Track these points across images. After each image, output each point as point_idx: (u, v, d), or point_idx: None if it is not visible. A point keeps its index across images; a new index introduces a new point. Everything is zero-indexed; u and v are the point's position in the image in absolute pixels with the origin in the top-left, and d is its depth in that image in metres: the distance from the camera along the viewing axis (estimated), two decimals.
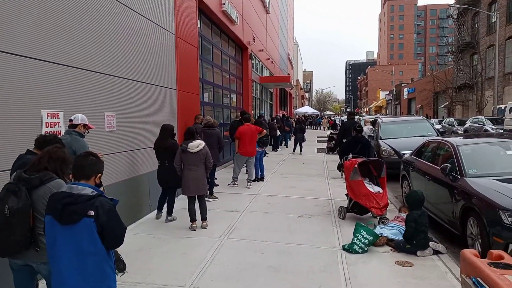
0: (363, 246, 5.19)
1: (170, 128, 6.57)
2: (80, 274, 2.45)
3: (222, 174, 11.10)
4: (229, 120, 14.22)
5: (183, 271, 4.57)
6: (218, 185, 9.25)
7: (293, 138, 19.53)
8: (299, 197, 8.50)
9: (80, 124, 4.43)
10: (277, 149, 18.30)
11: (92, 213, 2.40)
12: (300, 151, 17.46)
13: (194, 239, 5.74)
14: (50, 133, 4.24)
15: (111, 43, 5.79)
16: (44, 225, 2.57)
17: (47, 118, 4.37)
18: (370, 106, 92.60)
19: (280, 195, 8.65)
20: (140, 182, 6.76)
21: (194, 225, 6.13)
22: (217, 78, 13.09)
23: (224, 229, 6.16)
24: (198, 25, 10.13)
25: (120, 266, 3.09)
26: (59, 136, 3.97)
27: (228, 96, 14.89)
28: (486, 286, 2.42)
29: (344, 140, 9.67)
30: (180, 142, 7.16)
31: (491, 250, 2.88)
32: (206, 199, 7.81)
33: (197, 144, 6.01)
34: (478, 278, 2.51)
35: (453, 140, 6.49)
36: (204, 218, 6.24)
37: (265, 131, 9.84)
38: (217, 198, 8.24)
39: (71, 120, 4.44)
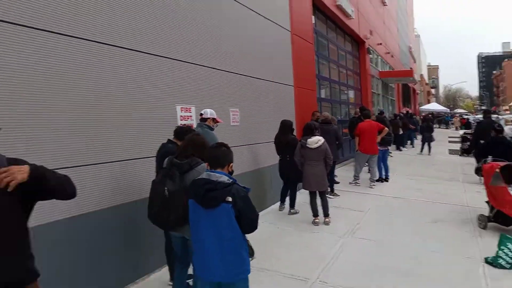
0: (510, 260, 4.44)
1: (290, 124, 6.61)
2: (221, 259, 2.58)
3: (343, 172, 10.74)
4: (348, 116, 13.80)
5: (308, 264, 4.50)
6: (338, 183, 8.99)
7: (419, 137, 18.03)
8: (429, 201, 7.72)
9: (209, 118, 4.69)
10: (402, 149, 17.11)
11: (230, 199, 2.51)
12: (429, 151, 15.94)
13: (317, 234, 5.63)
14: (185, 125, 4.57)
15: (234, 43, 6.04)
16: None
17: (181, 112, 4.73)
18: (511, 103, 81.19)
19: (406, 198, 7.99)
20: (263, 175, 6.93)
21: (317, 220, 6.03)
22: (334, 74, 12.82)
23: (347, 227, 5.91)
24: (313, 21, 10.03)
25: (250, 251, 3.16)
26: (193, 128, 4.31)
27: (346, 92, 14.48)
28: None
29: (482, 142, 8.50)
30: (299, 137, 7.15)
31: None
32: (328, 196, 7.68)
33: (316, 140, 5.91)
34: None
35: None
36: (326, 214, 6.09)
37: (386, 128, 9.23)
38: (339, 196, 8.01)
39: (201, 114, 4.73)
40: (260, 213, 6.51)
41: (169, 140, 3.82)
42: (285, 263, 4.51)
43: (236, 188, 2.57)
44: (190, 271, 3.47)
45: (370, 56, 17.16)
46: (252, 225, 2.62)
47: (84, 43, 3.47)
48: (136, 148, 4.07)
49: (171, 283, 3.83)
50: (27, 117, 3.00)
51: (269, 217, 6.41)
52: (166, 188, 3.06)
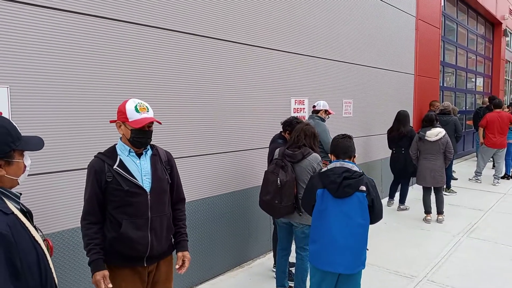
0: None
1: (407, 115, 6.36)
2: (348, 249, 2.63)
3: (462, 168, 10.00)
4: (474, 107, 12.60)
5: (415, 262, 4.44)
6: (456, 179, 8.43)
7: None
8: None
9: (322, 109, 4.84)
10: None
11: (364, 188, 2.63)
12: None
13: (428, 231, 5.45)
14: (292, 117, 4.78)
15: (353, 32, 6.02)
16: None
17: (295, 104, 4.97)
18: None
19: None
20: (373, 168, 6.86)
21: (428, 218, 5.82)
22: (461, 60, 11.77)
23: (463, 226, 5.60)
24: (442, 3, 9.31)
25: None
26: (304, 120, 4.48)
27: (473, 79, 13.18)
28: None
29: None
30: (416, 129, 6.87)
31: None
32: (444, 193, 7.31)
33: (437, 132, 5.61)
34: None
35: None
36: (440, 212, 5.83)
37: None
38: (455, 192, 7.53)
39: (314, 106, 4.90)
40: None
41: (280, 133, 3.97)
42: (391, 260, 4.51)
43: (367, 178, 2.70)
44: (292, 259, 3.75)
45: (507, 39, 15.23)
46: (380, 215, 2.74)
47: (209, 41, 3.88)
48: (252, 139, 4.42)
49: (274, 269, 4.11)
50: (169, 114, 3.52)
51: None
52: (278, 178, 3.29)
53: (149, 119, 2.13)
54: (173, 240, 2.42)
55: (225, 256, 4.20)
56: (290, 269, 3.94)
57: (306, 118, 4.97)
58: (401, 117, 6.34)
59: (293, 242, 3.60)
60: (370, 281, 3.97)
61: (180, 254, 2.39)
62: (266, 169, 3.59)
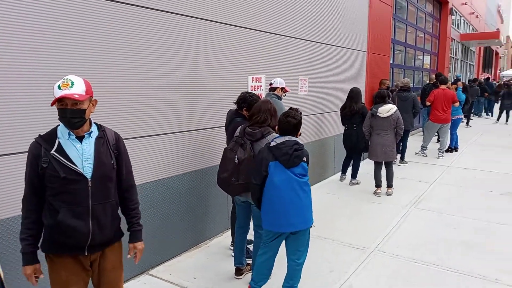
0: None
1: (359, 92, 6.51)
2: (300, 208, 2.98)
3: (409, 142, 10.43)
4: (421, 84, 13.16)
5: (367, 234, 4.64)
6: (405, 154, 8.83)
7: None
8: (504, 173, 7.41)
9: (278, 87, 4.82)
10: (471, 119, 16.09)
11: (305, 159, 2.99)
12: (506, 120, 14.95)
13: (379, 204, 5.71)
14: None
15: (309, 8, 6.00)
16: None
17: (252, 82, 4.92)
18: None
19: (477, 169, 7.71)
20: (326, 145, 7.02)
21: (379, 191, 6.08)
22: (410, 38, 12.15)
23: (410, 198, 5.92)
24: None
25: None
26: (261, 97, 4.44)
27: (421, 57, 13.70)
28: None
29: None
30: (368, 106, 7.06)
31: None
32: (398, 164, 7.71)
33: (388, 109, 5.81)
34: None
35: None
36: (390, 185, 6.12)
37: (457, 103, 8.71)
38: (407, 163, 8.05)
39: (271, 84, 4.87)
40: (320, 183, 6.80)
41: (236, 111, 3.89)
42: (344, 232, 4.69)
43: (306, 150, 3.07)
44: (250, 237, 3.79)
45: (452, 17, 15.89)
46: None
47: (166, 15, 3.72)
48: (210, 117, 4.36)
49: (231, 248, 4.17)
50: (116, 89, 3.35)
51: (329, 187, 6.56)
52: (236, 155, 3.29)
53: (61, 96, 1.93)
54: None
55: (182, 237, 4.17)
56: (248, 246, 3.99)
57: (263, 95, 4.94)
58: (353, 94, 6.49)
59: (251, 220, 3.63)
60: (324, 254, 4.12)
61: (131, 245, 2.34)
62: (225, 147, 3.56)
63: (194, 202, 4.27)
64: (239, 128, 3.49)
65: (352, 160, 6.76)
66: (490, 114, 17.72)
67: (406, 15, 11.51)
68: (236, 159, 3.28)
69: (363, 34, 8.03)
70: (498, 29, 26.86)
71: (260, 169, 3.03)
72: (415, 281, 3.61)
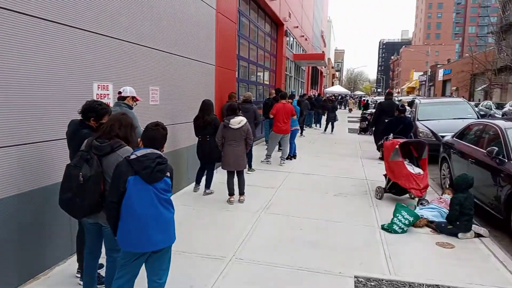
0: (402, 226, 5.16)
1: (211, 104, 6.63)
2: (162, 225, 2.80)
3: (254, 151, 11.12)
4: (262, 98, 14.18)
5: (224, 243, 4.69)
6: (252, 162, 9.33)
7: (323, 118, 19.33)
8: (333, 176, 8.48)
9: (128, 96, 4.54)
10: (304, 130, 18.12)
11: (169, 174, 2.82)
12: (332, 130, 17.31)
13: (233, 212, 5.86)
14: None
15: (158, 16, 5.84)
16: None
17: (98, 89, 4.50)
18: (403, 87, 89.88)
19: (313, 174, 8.66)
20: (180, 156, 6.92)
21: (232, 199, 6.25)
22: (252, 55, 13.02)
23: (261, 204, 6.25)
24: (238, 0, 10.04)
25: None
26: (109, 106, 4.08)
27: (262, 73, 14.80)
28: None
29: (386, 121, 9.48)
30: (219, 118, 7.24)
31: None
32: (246, 172, 8.03)
33: (239, 120, 6.05)
34: None
35: (501, 123, 6.28)
36: (242, 193, 6.35)
37: (294, 116, 9.74)
38: (254, 170, 8.54)
39: (120, 93, 4.55)
40: (175, 195, 6.64)
41: (82, 122, 3.46)
42: (202, 244, 4.65)
43: (170, 165, 2.89)
44: (101, 261, 3.44)
45: (287, 38, 17.67)
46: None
47: None
48: (50, 129, 3.81)
49: (78, 275, 3.72)
50: None
51: (184, 199, 6.47)
52: (81, 173, 2.90)
53: None
54: None
55: (13, 270, 3.50)
56: (99, 271, 3.58)
57: (111, 105, 4.57)
58: (205, 106, 6.57)
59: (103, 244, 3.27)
60: (184, 268, 3.99)
61: None
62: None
63: (28, 227, 3.64)
64: (86, 141, 3.11)
65: (205, 170, 6.80)
66: (318, 125, 20.23)
67: (248, 33, 12.30)
68: (80, 177, 2.89)
69: (211, 48, 8.23)
70: (323, 52, 31.09)
71: (117, 184, 2.74)
72: (273, 284, 3.78)
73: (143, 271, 2.95)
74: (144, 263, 2.92)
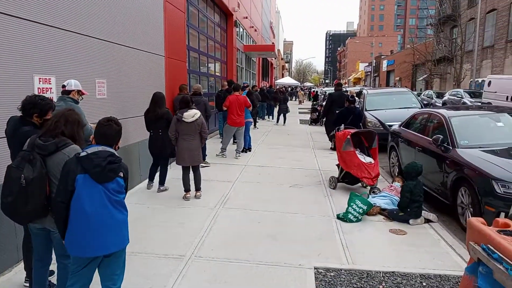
0: (357, 215, 5.28)
1: (162, 96, 6.39)
2: (115, 228, 2.64)
3: (208, 145, 10.94)
4: (215, 90, 13.98)
5: (182, 241, 4.55)
6: (206, 155, 9.17)
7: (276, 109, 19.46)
8: (288, 167, 8.55)
9: (73, 90, 4.23)
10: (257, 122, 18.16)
11: (122, 174, 2.67)
12: (284, 122, 17.47)
13: (189, 209, 5.71)
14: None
15: (102, 6, 5.49)
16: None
17: (39, 83, 4.15)
18: (349, 78, 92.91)
19: (269, 166, 8.67)
20: (131, 152, 6.62)
21: (188, 195, 6.09)
22: (203, 45, 12.76)
23: (218, 199, 6.15)
24: None
25: None
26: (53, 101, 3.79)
27: (213, 64, 14.58)
28: (497, 252, 2.49)
29: (337, 111, 9.67)
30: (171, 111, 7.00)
31: (497, 219, 2.96)
32: (200, 166, 7.84)
33: (193, 114, 5.86)
34: (489, 245, 2.58)
35: (444, 111, 6.58)
36: (198, 188, 6.20)
37: (250, 107, 9.68)
38: (209, 165, 8.31)
39: (64, 86, 4.22)
40: (127, 194, 6.28)
41: (23, 118, 3.19)
42: (158, 243, 4.49)
43: (124, 164, 2.74)
44: (52, 267, 3.22)
45: (237, 29, 17.51)
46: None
47: None
48: None
49: (26, 284, 3.44)
50: None
51: (137, 197, 6.22)
52: (23, 175, 2.67)
53: None
54: None
55: None
56: (49, 279, 3.33)
57: (55, 99, 4.24)
58: (157, 99, 6.33)
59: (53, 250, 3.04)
60: (140, 270, 3.83)
61: None
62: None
63: None
64: (28, 140, 2.86)
65: (159, 166, 6.56)
66: (271, 117, 20.34)
67: (198, 23, 12.01)
68: (22, 179, 2.66)
69: (159, 38, 7.93)
70: (273, 43, 31.22)
71: (65, 183, 2.57)
72: (233, 280, 3.71)
73: (97, 276, 2.77)
74: (97, 268, 2.75)
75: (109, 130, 2.72)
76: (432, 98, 23.85)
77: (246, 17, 20.14)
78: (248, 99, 9.54)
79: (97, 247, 2.61)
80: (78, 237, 2.59)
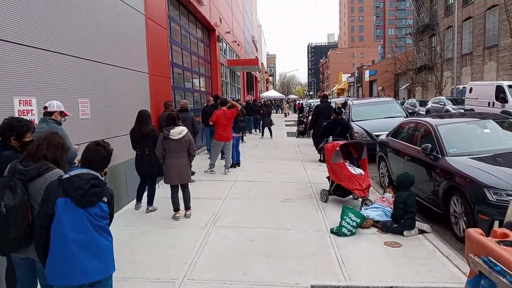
0: (351, 228, 5.20)
1: (148, 114, 6.28)
2: (98, 256, 2.54)
3: (196, 161, 10.81)
4: (200, 105, 13.88)
5: (173, 263, 4.40)
6: (194, 172, 9.03)
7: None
8: (278, 181, 8.45)
9: (56, 111, 4.10)
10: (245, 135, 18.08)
11: (105, 199, 2.56)
12: (271, 135, 17.41)
13: (180, 229, 5.55)
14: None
15: (84, 25, 5.39)
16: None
17: (19, 105, 4.01)
18: (333, 89, 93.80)
19: (259, 180, 8.57)
20: (117, 172, 6.44)
21: (177, 215, 5.92)
22: (186, 61, 12.71)
23: (208, 217, 6.00)
24: (166, 5, 9.72)
25: None
26: (34, 124, 3.66)
27: (198, 79, 14.52)
28: (499, 264, 2.44)
29: (324, 123, 9.66)
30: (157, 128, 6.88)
31: (495, 229, 2.92)
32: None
33: (180, 131, 5.74)
34: (489, 257, 2.53)
35: (431, 120, 6.61)
36: (187, 207, 6.04)
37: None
38: (194, 181, 8.09)
39: (45, 108, 4.09)
40: (115, 215, 6.10)
41: (1, 142, 3.09)
42: (149, 267, 4.32)
43: (109, 189, 2.63)
44: None
45: (220, 44, 17.53)
46: (110, 222, 2.74)
47: None
48: None
49: None
50: None
51: (125, 219, 6.02)
52: (3, 202, 2.54)
53: None
54: None
55: None
56: None
57: (36, 121, 4.10)
58: (142, 117, 6.21)
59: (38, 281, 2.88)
60: None
61: None
62: None
63: None
64: (9, 165, 2.74)
65: (146, 185, 6.39)
66: (258, 130, 20.31)
67: (180, 39, 11.97)
68: (3, 207, 2.53)
69: (143, 56, 7.83)
70: (256, 57, 31.40)
71: (45, 207, 2.46)
72: None
73: None
74: None
75: (96, 155, 2.61)
76: (416, 107, 24.19)
77: (229, 32, 20.22)
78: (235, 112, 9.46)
79: (79, 275, 2.48)
80: (59, 264, 2.47)
